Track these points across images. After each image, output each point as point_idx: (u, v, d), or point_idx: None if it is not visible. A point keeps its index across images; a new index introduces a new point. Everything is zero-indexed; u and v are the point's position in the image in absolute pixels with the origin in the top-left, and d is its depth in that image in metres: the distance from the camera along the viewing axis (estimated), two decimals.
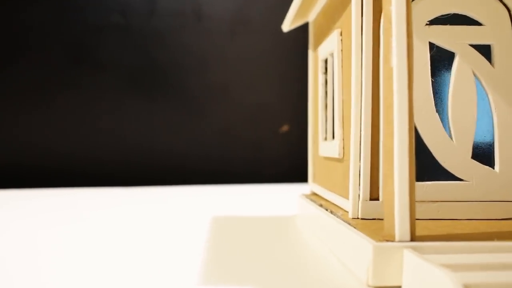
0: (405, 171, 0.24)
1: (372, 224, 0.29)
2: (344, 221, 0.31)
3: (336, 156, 0.36)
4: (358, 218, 0.31)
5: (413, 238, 0.24)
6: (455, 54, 0.31)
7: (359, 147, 0.31)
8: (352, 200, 0.31)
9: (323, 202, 0.40)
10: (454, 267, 0.20)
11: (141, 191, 0.81)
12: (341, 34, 0.36)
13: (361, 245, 0.25)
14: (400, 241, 0.24)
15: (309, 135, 0.49)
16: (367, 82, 0.31)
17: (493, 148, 0.31)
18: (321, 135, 0.43)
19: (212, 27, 1.04)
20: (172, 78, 1.02)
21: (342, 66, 0.36)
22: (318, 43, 0.45)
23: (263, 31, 1.06)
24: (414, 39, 0.30)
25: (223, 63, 1.05)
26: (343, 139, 0.36)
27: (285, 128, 1.14)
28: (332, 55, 0.40)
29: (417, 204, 0.30)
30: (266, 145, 1.11)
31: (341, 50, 0.36)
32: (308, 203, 0.43)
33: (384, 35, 0.25)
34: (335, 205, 0.38)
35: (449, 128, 0.31)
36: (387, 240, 0.24)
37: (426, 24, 0.31)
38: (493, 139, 0.31)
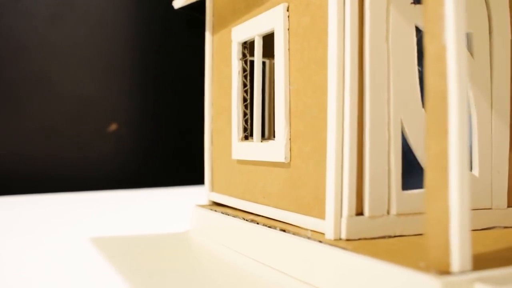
0: (464, 181, 0.18)
1: (370, 246, 0.23)
2: (328, 244, 0.24)
3: (279, 160, 0.30)
4: (340, 239, 0.24)
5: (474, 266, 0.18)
6: None
7: (341, 148, 0.24)
8: (333, 217, 0.24)
9: (247, 217, 0.33)
10: None
11: None
12: (287, 10, 0.29)
13: (406, 280, 0.19)
14: (462, 272, 0.18)
15: (206, 135, 0.41)
16: (353, 67, 0.24)
17: (471, 149, 0.28)
18: (236, 134, 0.35)
19: (31, 8, 0.87)
20: None
21: (289, 49, 0.29)
22: (228, 23, 0.37)
23: (90, 15, 0.93)
24: (399, 20, 0.25)
25: (44, 51, 0.89)
26: (290, 139, 0.29)
27: (113, 127, 1.02)
28: (261, 36, 0.33)
29: (403, 218, 0.25)
30: (92, 145, 0.98)
31: (288, 29, 0.29)
32: (222, 216, 0.35)
33: (426, 2, 0.19)
34: (276, 220, 0.31)
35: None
36: (443, 272, 0.18)
37: (411, 3, 0.26)
38: (470, 139, 0.28)
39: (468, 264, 0.18)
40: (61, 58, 0.91)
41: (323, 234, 0.25)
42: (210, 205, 0.40)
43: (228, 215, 0.35)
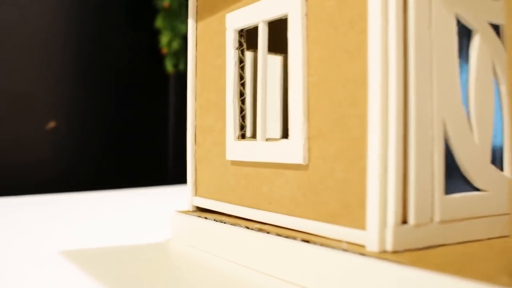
0: None
1: (426, 259, 0.20)
2: (376, 257, 0.21)
3: (296, 161, 0.26)
4: (385, 251, 0.22)
5: None
6: (474, 33, 0.25)
7: (385, 149, 0.22)
8: (378, 226, 0.22)
9: (252, 225, 0.29)
10: None
11: None
12: None
13: None
14: None
15: (188, 133, 0.37)
16: (398, 57, 0.22)
17: (503, 149, 0.26)
18: (232, 133, 0.32)
19: None
20: None
21: (307, 36, 0.26)
22: (219, 8, 0.33)
23: (23, 6, 0.85)
24: (439, 6, 0.23)
25: None
26: (309, 138, 0.26)
27: (51, 124, 0.95)
28: (266, 23, 0.29)
29: (446, 226, 0.23)
30: (27, 145, 0.91)
31: (306, 15, 0.26)
32: (217, 224, 0.31)
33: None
34: (287, 229, 0.27)
35: (469, 123, 0.24)
36: None
37: None
38: (502, 138, 0.26)
39: None
40: None
41: (360, 245, 0.22)
42: (193, 211, 0.36)
43: (225, 222, 0.31)
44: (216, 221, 0.32)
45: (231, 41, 0.32)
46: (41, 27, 0.88)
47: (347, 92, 0.24)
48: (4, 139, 0.86)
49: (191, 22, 0.36)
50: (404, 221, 0.22)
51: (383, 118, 0.22)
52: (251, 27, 0.31)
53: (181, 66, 1.11)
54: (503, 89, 0.25)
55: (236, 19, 0.31)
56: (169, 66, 1.10)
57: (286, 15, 0.27)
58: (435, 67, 0.23)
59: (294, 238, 0.26)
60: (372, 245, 0.22)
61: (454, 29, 0.23)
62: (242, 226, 0.30)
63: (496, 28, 0.25)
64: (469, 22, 0.24)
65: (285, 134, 0.31)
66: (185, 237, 0.35)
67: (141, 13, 1.06)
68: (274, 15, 0.28)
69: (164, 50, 1.08)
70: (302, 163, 0.26)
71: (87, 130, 0.95)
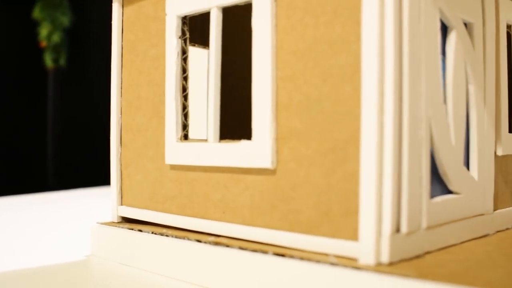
0: None
1: (428, 270, 0.19)
2: (374, 271, 0.19)
3: (261, 165, 0.23)
4: (381, 263, 0.20)
5: None
6: (450, 30, 0.24)
7: (381, 151, 0.20)
8: (374, 237, 0.19)
9: (206, 238, 0.26)
10: None
11: None
12: None
13: None
14: None
15: (112, 134, 0.32)
16: (396, 51, 0.20)
17: (468, 151, 0.25)
18: (174, 133, 0.28)
19: None
20: None
21: (277, 25, 0.23)
22: None
23: None
24: (427, 1, 0.21)
25: None
26: (277, 140, 0.23)
27: None
28: (221, 9, 0.26)
29: (432, 232, 0.22)
30: None
31: (275, 0, 0.23)
32: (155, 238, 0.27)
33: None
34: (250, 241, 0.24)
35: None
36: None
37: None
38: (467, 139, 0.25)
39: None
40: None
41: (350, 258, 0.20)
42: (119, 222, 0.32)
43: (167, 235, 0.27)
44: (156, 234, 0.28)
45: (173, 29, 0.28)
46: None
47: (329, 88, 0.21)
48: None
49: (116, 6, 0.32)
50: (397, 230, 0.20)
51: (379, 118, 0.20)
52: (198, 14, 0.27)
53: (62, 61, 1.02)
54: (472, 88, 0.25)
55: (180, 4, 0.27)
56: (48, 60, 1.00)
57: (250, 1, 0.24)
58: (424, 64, 0.21)
59: (265, 252, 0.23)
60: (367, 257, 0.20)
61: (438, 24, 0.22)
62: (191, 240, 0.26)
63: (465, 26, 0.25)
64: (448, 18, 0.23)
65: (222, 136, 0.27)
66: (112, 254, 0.30)
67: (16, 0, 0.95)
68: (234, 0, 0.25)
69: (43, 43, 0.98)
70: (270, 167, 0.23)
71: None
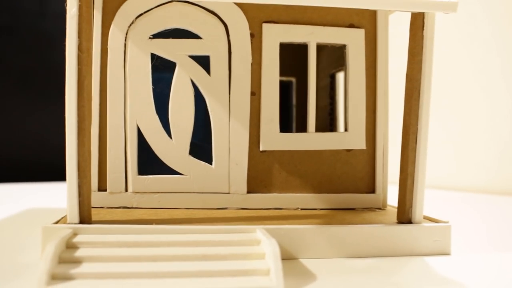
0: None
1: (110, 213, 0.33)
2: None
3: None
4: None
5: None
6: (176, 64, 0.35)
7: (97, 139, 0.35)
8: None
9: None
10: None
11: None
12: None
13: None
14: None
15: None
16: (99, 88, 0.35)
17: (211, 146, 0.36)
18: None
19: None
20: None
21: None
22: None
23: None
24: (137, 51, 0.34)
25: None
26: None
27: None
28: None
29: (139, 195, 0.35)
30: None
31: None
32: None
33: None
34: None
35: (170, 128, 0.35)
36: None
37: (150, 38, 0.35)
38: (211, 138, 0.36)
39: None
40: None
41: None
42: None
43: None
44: None
45: None
46: None
47: None
48: None
49: None
50: (104, 189, 0.35)
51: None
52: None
53: None
54: (208, 101, 0.35)
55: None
56: None
57: None
58: (130, 90, 0.35)
59: None
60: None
61: (148, 64, 0.35)
62: None
63: (199, 58, 0.35)
64: (168, 56, 0.35)
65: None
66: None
67: None
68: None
69: None
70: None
71: None
